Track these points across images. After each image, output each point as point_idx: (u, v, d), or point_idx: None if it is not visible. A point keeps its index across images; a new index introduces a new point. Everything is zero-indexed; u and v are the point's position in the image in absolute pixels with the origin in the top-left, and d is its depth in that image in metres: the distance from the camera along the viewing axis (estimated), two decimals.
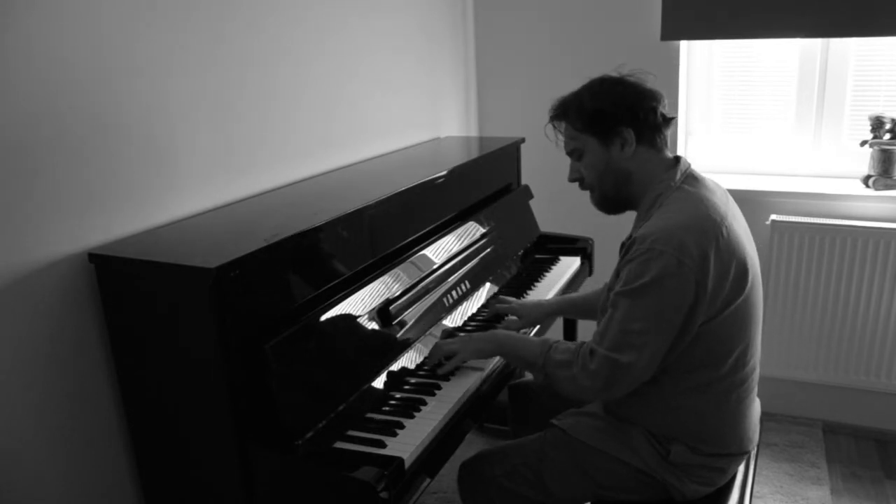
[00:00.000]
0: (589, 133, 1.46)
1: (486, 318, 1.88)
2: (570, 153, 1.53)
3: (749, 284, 1.40)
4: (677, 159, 1.49)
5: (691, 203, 1.39)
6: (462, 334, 1.66)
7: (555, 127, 1.53)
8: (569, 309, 1.91)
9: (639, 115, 1.43)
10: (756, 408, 1.55)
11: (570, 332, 2.40)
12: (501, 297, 1.91)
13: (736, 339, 1.41)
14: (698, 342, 1.37)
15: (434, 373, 1.58)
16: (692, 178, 1.45)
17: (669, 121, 1.47)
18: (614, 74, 1.49)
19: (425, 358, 1.64)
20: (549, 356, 1.44)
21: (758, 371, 1.51)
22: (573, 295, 1.97)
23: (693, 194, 1.41)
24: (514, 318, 1.86)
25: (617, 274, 1.42)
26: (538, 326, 1.90)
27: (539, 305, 1.87)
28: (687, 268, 1.29)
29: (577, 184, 1.55)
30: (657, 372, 1.38)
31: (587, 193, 1.55)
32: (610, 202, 1.53)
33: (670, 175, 1.44)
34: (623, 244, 1.50)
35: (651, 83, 1.47)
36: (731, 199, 1.51)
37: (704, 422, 1.43)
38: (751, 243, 1.46)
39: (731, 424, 1.46)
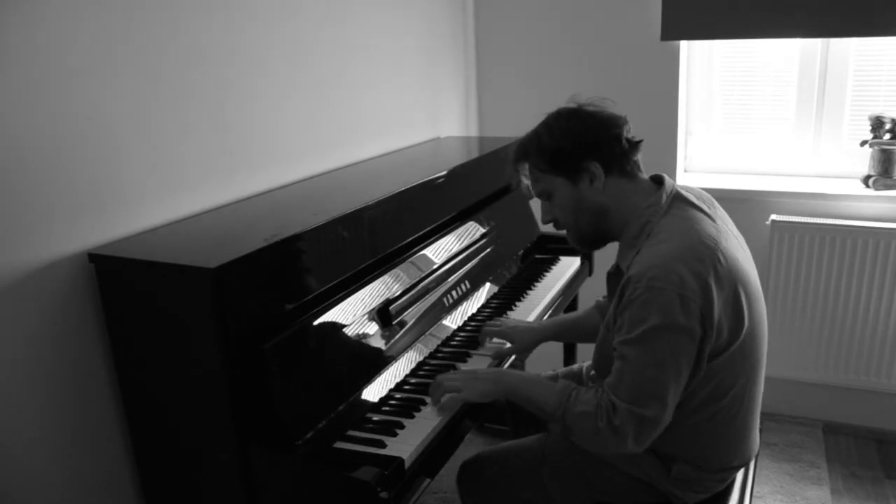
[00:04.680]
0: (554, 173, 1.40)
1: (469, 338, 1.77)
2: (538, 195, 1.46)
3: (754, 312, 1.35)
4: (660, 181, 1.42)
5: (683, 229, 1.32)
6: (465, 369, 1.56)
7: (518, 170, 1.45)
8: (563, 333, 1.81)
9: (602, 147, 1.37)
10: (759, 414, 1.50)
11: (569, 352, 2.39)
12: (490, 322, 1.78)
13: (744, 371, 1.37)
14: (705, 382, 1.32)
15: (434, 373, 1.58)
16: (679, 200, 1.38)
17: (637, 144, 1.40)
18: (571, 105, 1.42)
19: (426, 357, 1.64)
20: (568, 406, 1.33)
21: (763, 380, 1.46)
22: (567, 316, 1.87)
23: (683, 218, 1.34)
24: (503, 341, 1.73)
25: (614, 315, 1.33)
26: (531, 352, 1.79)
27: (532, 330, 1.74)
28: (690, 301, 1.22)
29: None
30: None
31: None
32: (588, 239, 1.47)
33: (655, 199, 1.37)
34: (610, 274, 1.46)
35: (611, 108, 1.40)
36: (721, 210, 1.46)
37: (709, 445, 1.40)
38: (749, 262, 1.40)
39: (736, 442, 1.43)
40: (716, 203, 1.47)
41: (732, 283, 1.29)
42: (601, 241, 1.47)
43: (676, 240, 1.30)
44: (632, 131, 1.41)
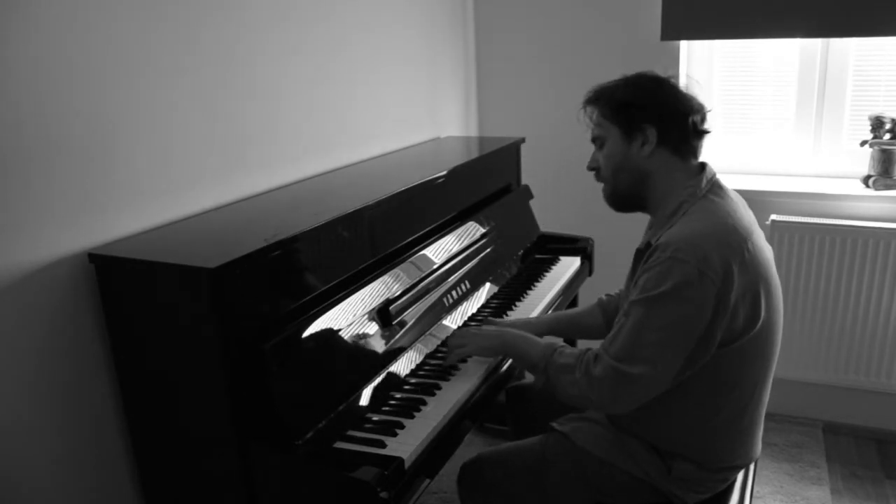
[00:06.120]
0: (613, 122, 1.43)
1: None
2: (593, 140, 1.49)
3: (771, 308, 1.36)
4: (702, 166, 1.44)
5: (717, 214, 1.35)
6: (471, 326, 1.63)
7: (586, 112, 1.49)
8: (562, 328, 1.83)
9: (666, 118, 1.39)
10: (763, 416, 1.50)
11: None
12: (489, 318, 1.83)
13: (753, 368, 1.37)
14: (712, 368, 1.33)
15: (434, 373, 1.58)
16: (717, 188, 1.41)
17: (702, 134, 1.43)
18: (659, 74, 1.46)
19: (426, 357, 1.64)
20: (552, 359, 1.41)
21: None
22: (567, 312, 1.90)
23: (719, 205, 1.37)
24: None
25: (634, 282, 1.36)
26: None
27: (531, 325, 1.76)
28: (709, 280, 1.24)
29: (589, 176, 1.51)
30: (665, 392, 1.32)
31: (587, 193, 1.53)
32: (620, 198, 1.48)
33: (695, 183, 1.40)
34: (639, 250, 1.47)
35: (694, 93, 1.43)
36: (751, 213, 1.47)
37: (713, 442, 1.41)
38: (773, 262, 1.42)
39: (741, 441, 1.44)
40: (747, 206, 1.48)
41: (756, 274, 1.32)
42: (631, 206, 1.49)
43: (710, 222, 1.33)
44: (706, 124, 1.43)
